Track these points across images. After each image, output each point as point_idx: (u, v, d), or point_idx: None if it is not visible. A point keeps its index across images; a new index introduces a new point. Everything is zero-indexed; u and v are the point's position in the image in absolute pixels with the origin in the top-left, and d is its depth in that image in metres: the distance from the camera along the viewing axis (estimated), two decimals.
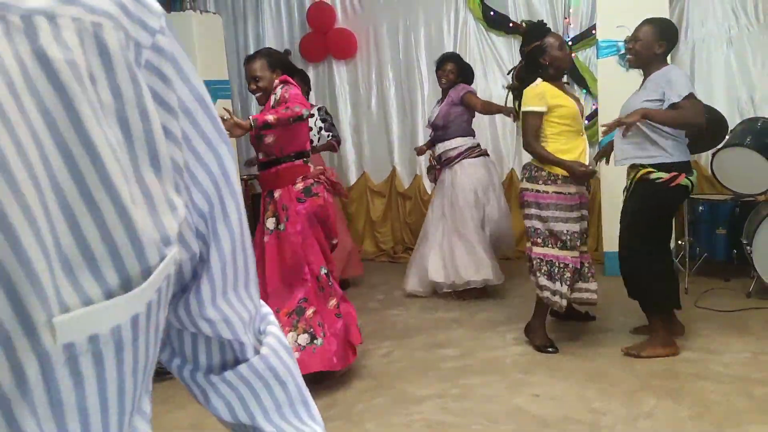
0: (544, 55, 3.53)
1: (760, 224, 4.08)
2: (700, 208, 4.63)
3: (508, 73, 3.76)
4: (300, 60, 6.47)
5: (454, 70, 4.69)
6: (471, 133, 4.78)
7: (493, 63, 5.83)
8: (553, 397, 3.04)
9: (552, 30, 5.44)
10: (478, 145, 4.80)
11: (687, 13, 5.20)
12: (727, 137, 4.41)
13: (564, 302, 3.53)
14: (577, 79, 5.54)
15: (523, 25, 3.81)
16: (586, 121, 5.51)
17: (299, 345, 3.19)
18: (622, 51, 4.74)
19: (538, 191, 3.50)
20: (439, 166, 4.76)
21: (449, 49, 5.92)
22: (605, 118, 4.87)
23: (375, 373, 3.46)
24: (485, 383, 3.25)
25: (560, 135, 3.50)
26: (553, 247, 3.52)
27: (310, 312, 3.21)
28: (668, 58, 3.58)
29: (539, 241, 3.54)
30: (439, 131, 4.74)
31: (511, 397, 3.08)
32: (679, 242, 4.67)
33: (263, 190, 3.44)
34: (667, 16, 4.64)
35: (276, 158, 3.28)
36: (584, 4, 5.49)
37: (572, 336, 3.77)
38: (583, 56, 5.54)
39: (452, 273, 4.58)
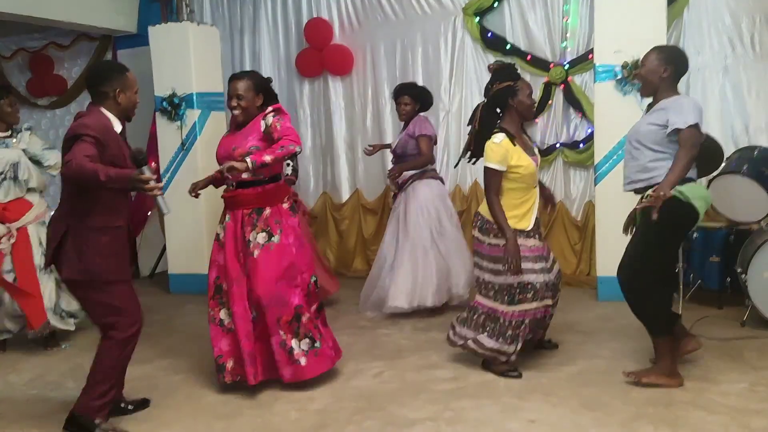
0: (514, 97, 3.48)
1: (755, 253, 4.06)
2: (694, 235, 4.61)
3: (468, 124, 3.71)
4: (296, 75, 6.46)
5: (410, 102, 4.88)
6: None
7: None
8: (548, 424, 2.98)
9: (547, 55, 5.56)
10: (433, 169, 4.99)
11: (683, 42, 5.22)
12: (722, 165, 4.40)
13: (513, 358, 3.51)
14: (573, 102, 5.55)
15: (494, 64, 3.72)
16: (581, 145, 5.55)
17: (303, 351, 3.44)
18: (620, 76, 4.76)
19: (490, 245, 3.47)
20: (397, 191, 4.94)
21: (445, 69, 5.94)
22: (601, 142, 4.89)
23: (366, 394, 3.38)
24: (478, 407, 3.18)
25: (514, 191, 3.49)
26: (501, 303, 3.46)
27: (305, 318, 3.47)
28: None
29: (490, 295, 3.52)
30: (396, 158, 4.96)
31: (504, 421, 3.02)
32: None
33: (238, 208, 3.47)
34: (664, 40, 4.67)
35: (262, 179, 3.44)
36: (581, 27, 5.51)
37: (565, 360, 3.72)
38: (579, 80, 5.54)
39: (415, 295, 4.67)
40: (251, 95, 3.44)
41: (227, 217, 3.51)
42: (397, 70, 6.07)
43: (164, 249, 6.21)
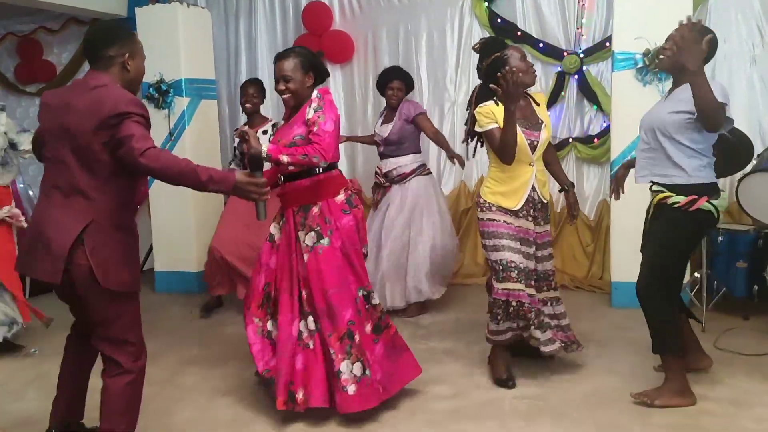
0: (505, 66, 3.13)
1: None
2: (719, 238, 4.25)
3: (467, 108, 3.42)
4: None
5: (402, 88, 4.58)
6: (420, 151, 4.72)
7: None
8: None
9: (561, 42, 5.20)
10: (425, 163, 4.74)
11: None
12: (753, 162, 4.04)
13: (498, 339, 3.33)
14: (588, 94, 5.17)
15: (477, 44, 3.41)
16: (596, 140, 5.18)
17: (355, 377, 2.94)
18: (640, 64, 4.38)
19: (480, 219, 3.33)
20: (388, 183, 4.58)
21: (452, 57, 5.58)
22: (619, 135, 4.52)
23: (355, 416, 3.01)
24: (481, 431, 2.84)
25: (500, 163, 3.24)
26: (495, 279, 3.23)
27: (358, 337, 2.99)
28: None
29: (492, 273, 3.30)
30: (392, 146, 4.58)
31: None
32: (696, 275, 4.27)
33: (289, 205, 3.09)
34: None
35: (309, 169, 3.00)
36: (598, 14, 5.13)
37: (577, 377, 3.36)
38: (595, 70, 5.17)
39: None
40: (299, 75, 3.00)
41: (282, 216, 3.15)
42: (400, 58, 5.70)
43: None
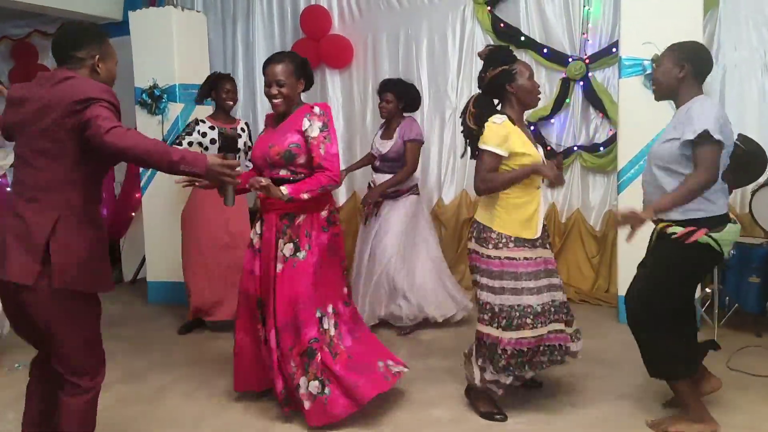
0: (511, 82, 2.96)
1: None
2: (731, 252, 4.08)
3: (461, 116, 3.13)
4: None
5: (392, 100, 4.36)
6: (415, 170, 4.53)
7: None
8: None
9: (566, 48, 5.04)
10: (416, 184, 4.55)
11: (718, 35, 4.70)
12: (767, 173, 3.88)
13: (499, 392, 3.04)
14: (594, 101, 5.02)
15: (484, 50, 3.19)
16: (602, 148, 5.02)
17: (310, 393, 2.94)
18: (649, 71, 4.22)
19: (489, 257, 2.91)
20: (381, 198, 4.39)
21: (453, 63, 5.43)
22: (626, 145, 4.36)
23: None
24: None
25: (516, 187, 2.94)
26: (497, 328, 2.90)
27: (320, 357, 2.96)
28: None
29: (486, 318, 2.94)
30: (389, 163, 4.40)
31: None
32: (707, 290, 4.11)
33: (273, 211, 2.98)
34: (700, 32, 4.14)
35: (301, 177, 2.95)
36: (604, 18, 4.98)
37: (585, 401, 3.20)
38: (601, 76, 5.02)
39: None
40: (293, 81, 2.98)
41: (261, 221, 3.08)
42: (400, 63, 5.56)
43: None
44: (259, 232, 3.08)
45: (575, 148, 5.10)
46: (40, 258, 2.17)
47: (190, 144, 4.35)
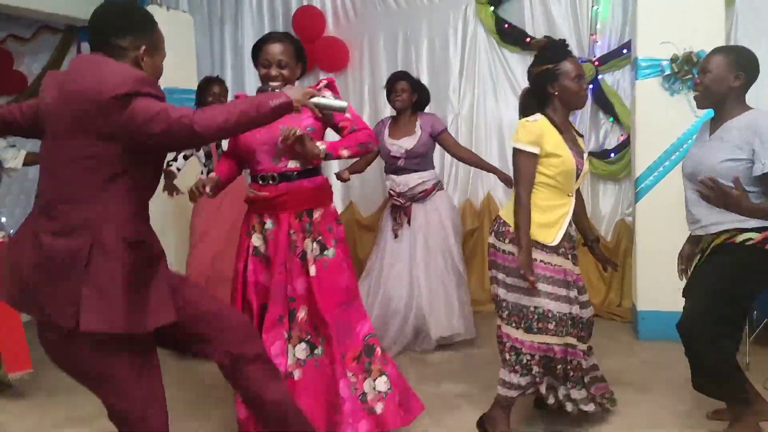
0: (553, 83, 2.73)
1: None
2: None
3: (520, 115, 2.89)
4: None
5: (407, 89, 4.10)
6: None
7: (505, 82, 5.06)
8: None
9: (574, 50, 4.79)
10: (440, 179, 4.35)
11: (735, 33, 4.44)
12: None
13: (515, 394, 2.80)
14: (604, 105, 4.77)
15: (542, 40, 2.99)
16: (613, 154, 4.77)
17: (379, 393, 2.64)
18: (667, 72, 3.98)
19: (504, 252, 2.76)
20: (408, 202, 4.06)
21: (455, 65, 5.16)
22: (643, 151, 4.10)
23: None
24: None
25: (544, 188, 2.72)
26: (516, 328, 2.74)
27: (379, 350, 2.71)
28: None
29: (504, 316, 2.79)
30: (416, 159, 4.08)
31: None
32: None
33: (286, 209, 2.64)
34: (722, 29, 3.92)
35: (314, 168, 2.68)
36: (614, 18, 4.74)
37: (617, 425, 2.91)
38: (611, 79, 4.77)
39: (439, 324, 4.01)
40: (293, 63, 2.72)
41: (268, 223, 2.68)
42: (399, 66, 5.26)
43: None
44: (262, 236, 2.70)
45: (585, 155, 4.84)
46: (76, 293, 1.78)
47: (186, 157, 4.15)
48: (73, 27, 6.20)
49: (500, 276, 2.79)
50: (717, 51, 2.68)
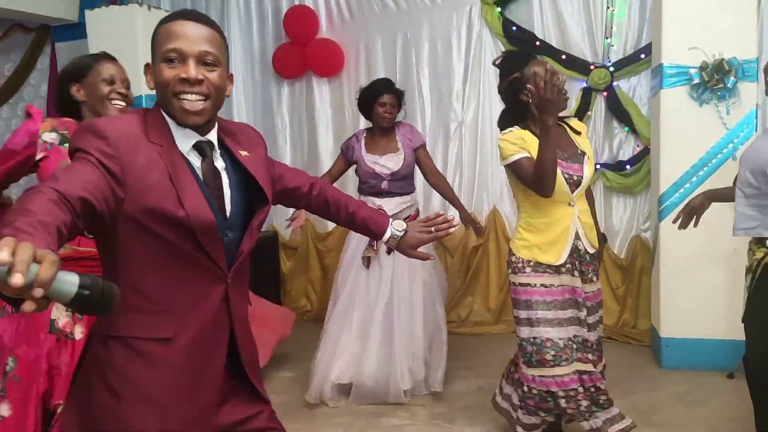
0: (523, 90, 2.49)
1: None
2: None
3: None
4: (273, 75, 5.30)
5: (395, 102, 3.60)
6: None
7: None
8: None
9: (587, 54, 4.50)
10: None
11: (760, 30, 4.11)
12: None
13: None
14: (619, 113, 4.46)
15: (498, 60, 2.74)
16: (628, 167, 4.47)
17: None
18: (696, 80, 3.68)
19: (511, 283, 2.63)
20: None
21: (458, 70, 4.84)
22: (669, 165, 3.79)
23: None
24: None
25: (535, 206, 2.57)
26: (523, 362, 2.59)
27: None
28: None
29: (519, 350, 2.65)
30: (401, 182, 3.60)
31: None
32: None
33: None
34: (754, 34, 3.63)
35: None
36: (631, 21, 4.44)
37: None
38: (626, 86, 4.47)
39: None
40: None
41: None
42: (398, 71, 4.94)
43: None
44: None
45: (598, 166, 4.53)
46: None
47: None
48: (47, 26, 5.85)
49: (515, 312, 2.64)
50: None
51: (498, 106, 4.68)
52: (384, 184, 3.58)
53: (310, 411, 3.38)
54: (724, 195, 2.74)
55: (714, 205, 2.79)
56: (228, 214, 1.47)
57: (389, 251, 3.47)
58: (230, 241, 1.47)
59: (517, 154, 2.50)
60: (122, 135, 1.35)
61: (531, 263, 2.54)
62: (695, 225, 2.78)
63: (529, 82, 2.46)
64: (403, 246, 1.82)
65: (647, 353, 4.14)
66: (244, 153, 1.54)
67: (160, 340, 1.39)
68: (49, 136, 2.18)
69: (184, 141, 1.45)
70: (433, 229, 1.82)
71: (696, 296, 3.73)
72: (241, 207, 1.51)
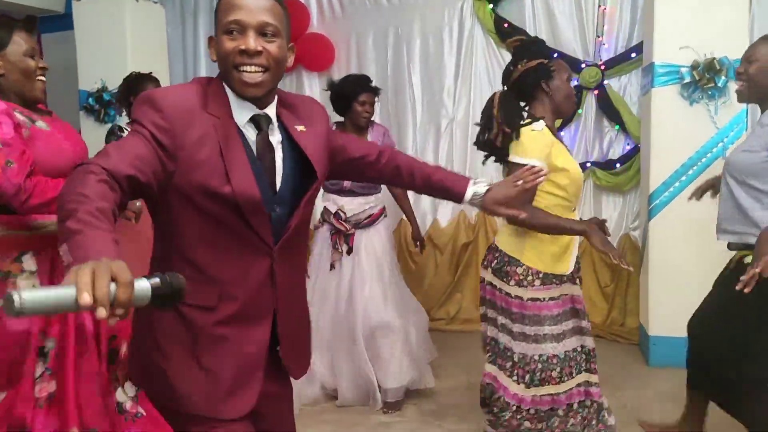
0: (548, 80, 2.38)
1: None
2: None
3: (479, 123, 2.50)
4: None
5: (373, 102, 3.53)
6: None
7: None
8: None
9: (578, 52, 4.49)
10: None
11: (751, 28, 4.12)
12: None
13: None
14: (609, 112, 4.47)
15: (514, 40, 2.65)
16: (618, 165, 4.49)
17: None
18: (687, 79, 3.69)
19: (508, 295, 2.39)
20: (353, 229, 3.46)
21: (450, 67, 4.82)
22: (659, 164, 3.80)
23: None
24: None
25: (552, 209, 2.36)
26: (518, 383, 2.39)
27: None
28: None
29: (507, 366, 2.42)
30: (364, 188, 3.51)
31: None
32: None
33: None
34: (745, 33, 3.63)
35: None
36: (622, 19, 4.44)
37: None
38: (617, 84, 4.48)
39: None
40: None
41: None
42: (389, 66, 4.92)
43: None
44: None
45: (588, 164, 4.53)
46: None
47: None
48: (33, 17, 5.76)
49: (502, 320, 2.44)
50: (763, 40, 2.45)
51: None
52: (346, 183, 3.47)
53: (298, 408, 3.36)
54: None
55: (703, 204, 2.80)
56: (278, 189, 1.47)
57: (350, 251, 3.43)
58: (278, 216, 1.46)
59: (538, 161, 2.23)
60: (179, 107, 1.37)
61: (541, 275, 2.36)
62: (698, 198, 2.78)
63: (554, 74, 2.37)
64: (488, 202, 1.72)
65: (635, 351, 4.16)
66: (300, 128, 1.52)
67: (203, 308, 1.42)
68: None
69: (242, 114, 1.44)
70: (520, 182, 1.73)
71: (684, 295, 3.70)
72: (291, 182, 1.49)
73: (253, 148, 1.44)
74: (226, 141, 1.38)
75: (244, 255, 1.43)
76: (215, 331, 1.42)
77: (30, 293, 0.89)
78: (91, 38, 4.46)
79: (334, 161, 1.64)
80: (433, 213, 4.90)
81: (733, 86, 3.60)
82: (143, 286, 0.99)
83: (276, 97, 1.51)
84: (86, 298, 0.90)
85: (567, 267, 2.41)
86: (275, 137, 1.48)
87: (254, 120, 1.45)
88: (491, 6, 4.63)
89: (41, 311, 0.91)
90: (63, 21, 5.34)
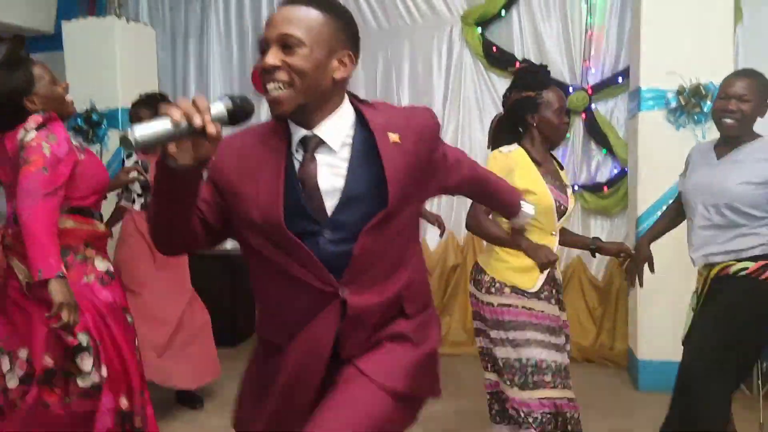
0: (533, 113, 2.45)
1: None
2: None
3: (489, 146, 2.63)
4: (252, 91, 5.26)
5: None
6: None
7: (492, 109, 4.74)
8: None
9: (565, 76, 4.54)
10: None
11: (735, 53, 4.17)
12: None
13: None
14: (597, 135, 4.51)
15: (521, 66, 2.75)
16: (605, 188, 4.51)
17: None
18: (674, 104, 3.73)
19: (482, 302, 2.49)
20: None
21: (439, 89, 4.85)
22: (647, 186, 3.83)
23: None
24: None
25: (528, 232, 2.38)
26: (511, 386, 2.41)
27: None
28: None
29: (503, 374, 2.45)
30: None
31: None
32: None
33: None
34: (730, 59, 3.68)
35: None
36: (608, 44, 4.49)
37: None
38: (604, 108, 4.52)
39: None
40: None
41: None
42: (378, 89, 4.95)
43: None
44: None
45: (576, 188, 4.56)
46: None
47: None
48: (21, 37, 5.76)
49: (482, 326, 2.52)
50: (745, 75, 2.52)
51: (477, 127, 4.79)
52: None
53: None
54: (660, 230, 2.83)
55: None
56: (330, 213, 1.33)
57: None
58: (332, 242, 1.32)
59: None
60: (229, 146, 1.37)
61: (507, 286, 2.44)
62: (652, 271, 2.77)
63: (541, 107, 2.44)
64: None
65: (624, 375, 4.14)
66: (394, 137, 1.37)
67: (274, 346, 1.44)
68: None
69: (295, 136, 1.37)
70: None
71: (673, 319, 3.72)
72: (358, 207, 1.34)
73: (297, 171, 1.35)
74: (270, 170, 1.32)
75: (300, 293, 1.35)
76: (279, 368, 1.44)
77: (139, 127, 1.09)
78: (80, 59, 4.45)
79: (445, 183, 1.57)
80: (422, 234, 4.89)
81: None
82: (218, 107, 1.18)
83: (340, 111, 1.38)
84: (176, 114, 1.10)
85: (531, 284, 2.43)
86: (322, 157, 1.35)
87: (303, 142, 1.35)
88: (480, 30, 4.68)
89: (153, 138, 1.10)
90: (52, 41, 5.34)
